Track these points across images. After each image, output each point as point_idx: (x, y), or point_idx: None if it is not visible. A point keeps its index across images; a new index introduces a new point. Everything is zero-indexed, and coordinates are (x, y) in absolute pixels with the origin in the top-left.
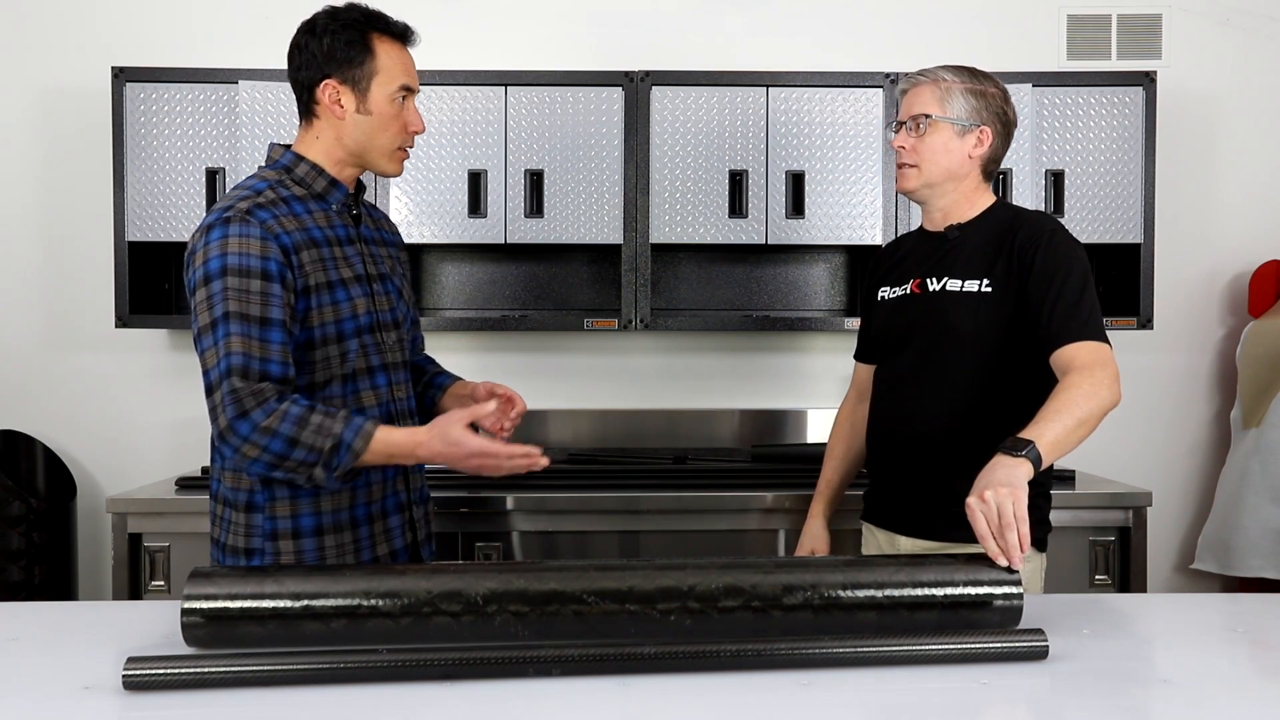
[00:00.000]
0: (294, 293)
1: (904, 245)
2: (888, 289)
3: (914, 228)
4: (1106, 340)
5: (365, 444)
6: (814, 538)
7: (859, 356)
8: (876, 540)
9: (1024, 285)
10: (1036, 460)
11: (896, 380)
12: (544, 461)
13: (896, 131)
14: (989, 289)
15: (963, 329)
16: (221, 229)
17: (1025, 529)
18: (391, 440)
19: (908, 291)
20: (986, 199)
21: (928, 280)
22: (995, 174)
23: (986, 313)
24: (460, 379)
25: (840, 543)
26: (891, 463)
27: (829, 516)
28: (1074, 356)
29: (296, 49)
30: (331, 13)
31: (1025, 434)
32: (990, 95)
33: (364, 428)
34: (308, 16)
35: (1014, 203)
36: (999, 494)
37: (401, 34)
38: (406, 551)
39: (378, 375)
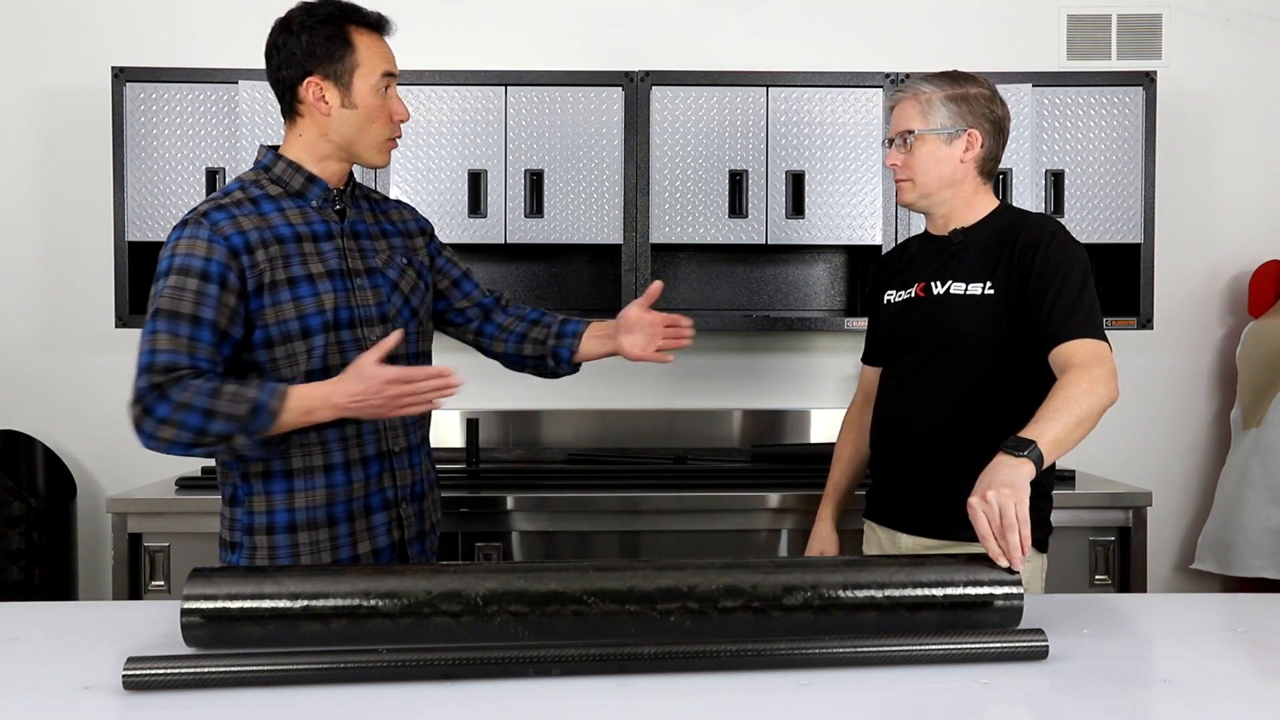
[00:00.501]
0: (239, 295)
1: (909, 249)
2: (893, 292)
3: (915, 227)
4: (1105, 338)
5: (281, 402)
6: (822, 540)
7: (866, 360)
8: (878, 538)
9: (1025, 285)
10: (1038, 460)
11: (901, 381)
12: (457, 381)
13: (889, 148)
14: (991, 291)
15: (966, 331)
16: (178, 231)
17: (1027, 530)
18: (308, 394)
19: (912, 295)
20: (989, 202)
21: (932, 284)
22: (995, 173)
23: (989, 315)
24: (593, 322)
25: (847, 543)
26: (894, 461)
27: (837, 519)
28: (1072, 354)
29: (275, 48)
30: (306, 9)
31: (1026, 433)
32: (974, 97)
33: (278, 388)
34: (285, 15)
35: (1014, 203)
36: (1001, 494)
37: (377, 24)
38: (392, 550)
39: None
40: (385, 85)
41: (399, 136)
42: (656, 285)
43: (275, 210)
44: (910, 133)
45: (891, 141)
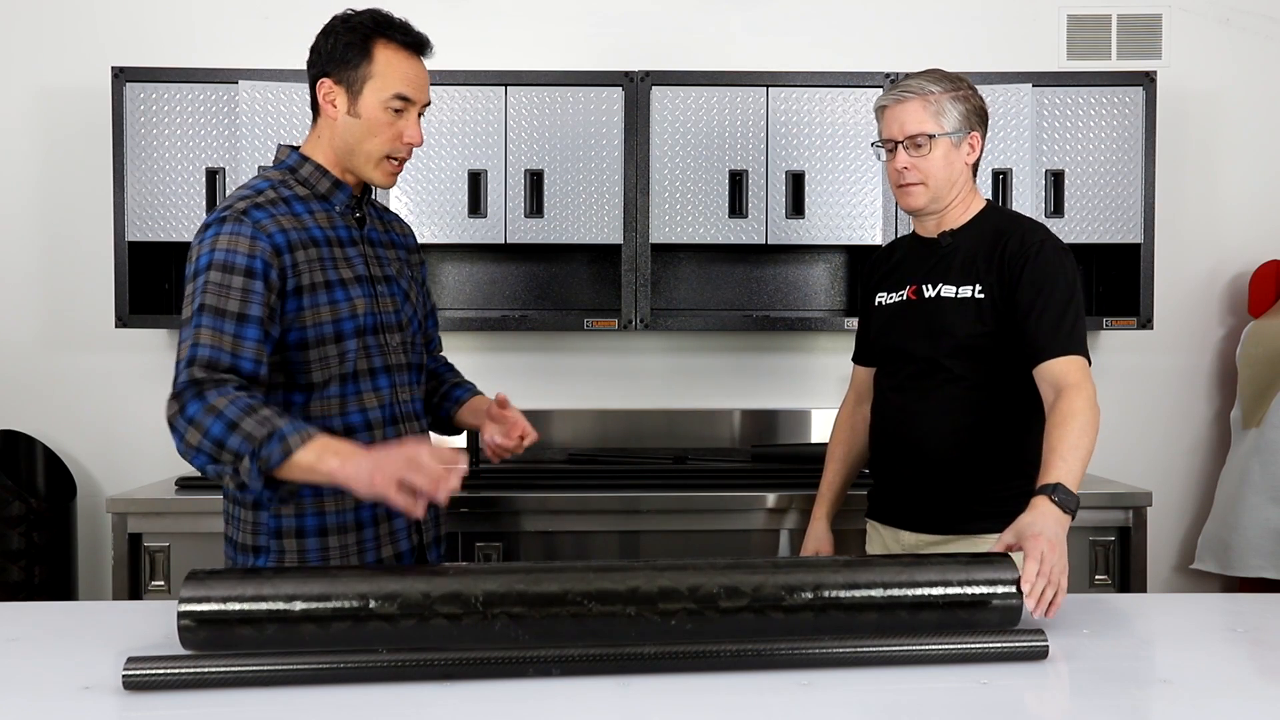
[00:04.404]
0: (279, 294)
1: (898, 250)
2: (884, 294)
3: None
4: (1087, 354)
5: (301, 441)
6: (818, 540)
7: (857, 359)
8: (881, 537)
9: (1012, 295)
10: (1076, 512)
11: (898, 384)
12: (454, 485)
13: (891, 151)
14: (981, 295)
15: (959, 334)
16: (216, 228)
17: (1063, 596)
18: (339, 445)
19: (904, 297)
20: (977, 203)
21: (923, 286)
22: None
23: (980, 318)
24: (480, 394)
25: (843, 543)
26: (895, 463)
27: (832, 518)
28: (1064, 374)
29: (311, 47)
30: (345, 16)
31: (1060, 477)
32: (969, 97)
33: (305, 428)
34: (307, 17)
35: (1014, 203)
36: (1061, 560)
37: (411, 44)
38: (412, 554)
39: (379, 377)
40: (398, 106)
41: (404, 158)
42: (501, 397)
43: (306, 212)
44: (930, 136)
45: (896, 144)
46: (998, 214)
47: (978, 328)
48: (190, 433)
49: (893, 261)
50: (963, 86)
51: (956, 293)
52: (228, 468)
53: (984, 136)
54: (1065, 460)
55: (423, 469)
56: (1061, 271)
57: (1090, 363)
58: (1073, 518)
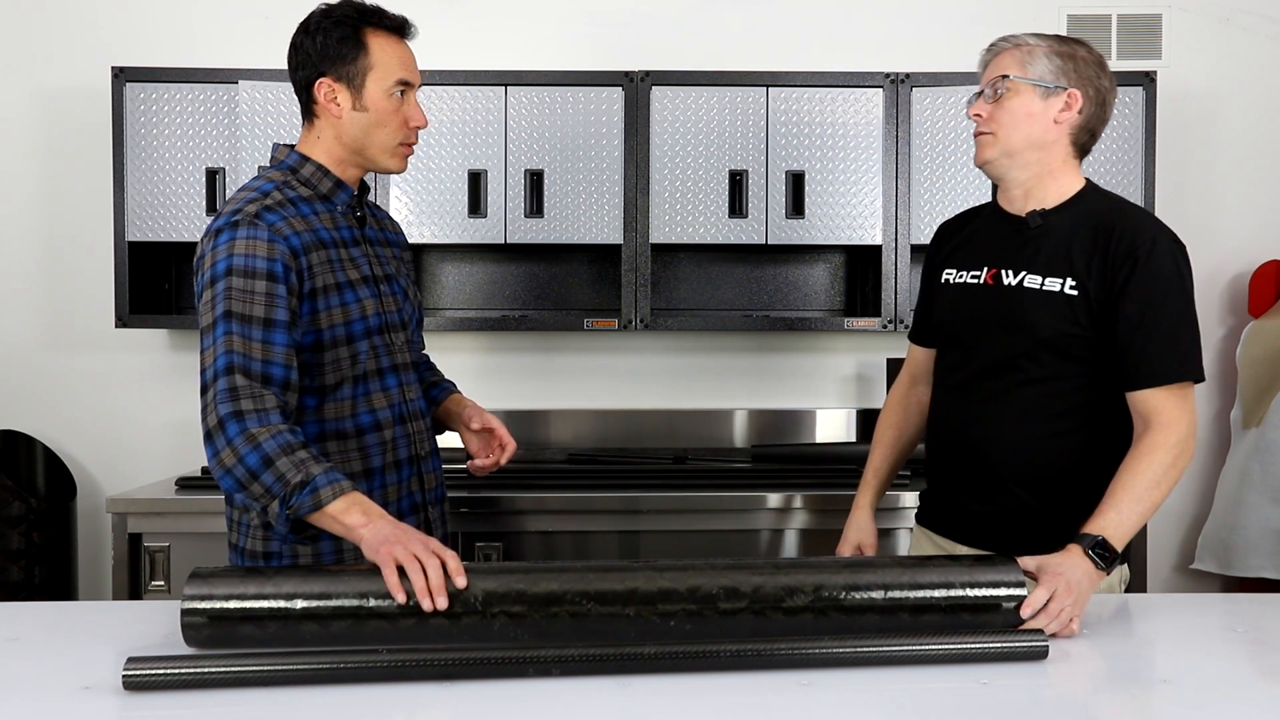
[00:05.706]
0: (299, 296)
1: (973, 221)
2: (953, 271)
3: (916, 227)
4: (1200, 373)
5: (333, 494)
6: (860, 530)
7: (915, 339)
8: (934, 546)
9: (1116, 303)
10: (1112, 571)
11: (963, 381)
12: (441, 604)
13: (974, 101)
14: (1074, 291)
15: (1041, 333)
16: (230, 232)
17: (1068, 632)
18: (369, 504)
19: (980, 280)
20: (1075, 181)
21: (1003, 271)
22: (1089, 149)
23: (1069, 316)
24: (456, 393)
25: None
26: (953, 472)
27: (875, 507)
28: (1157, 408)
29: (294, 49)
30: (325, 10)
31: (1106, 530)
32: (1081, 59)
33: (341, 482)
34: (306, 16)
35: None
36: (1077, 606)
37: (397, 28)
38: None
39: (388, 376)
40: (401, 90)
41: (414, 143)
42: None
43: (311, 213)
44: (1004, 77)
45: (980, 94)
46: (1101, 197)
47: (1066, 327)
48: (226, 454)
49: (966, 233)
50: (1076, 48)
51: (1043, 284)
52: (256, 504)
53: (1096, 105)
54: (1120, 511)
55: (432, 570)
56: (1176, 277)
57: (1203, 379)
58: (1106, 574)
